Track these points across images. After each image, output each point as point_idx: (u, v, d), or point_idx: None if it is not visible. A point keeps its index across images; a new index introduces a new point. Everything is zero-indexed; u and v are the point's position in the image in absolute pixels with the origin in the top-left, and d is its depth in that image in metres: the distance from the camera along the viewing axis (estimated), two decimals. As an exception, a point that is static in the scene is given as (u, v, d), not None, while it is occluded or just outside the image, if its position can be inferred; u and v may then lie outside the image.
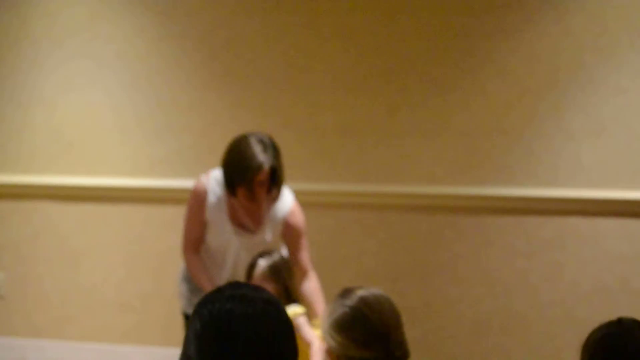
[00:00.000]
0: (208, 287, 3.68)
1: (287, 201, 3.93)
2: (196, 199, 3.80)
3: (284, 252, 3.98)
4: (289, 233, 3.94)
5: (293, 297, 3.74)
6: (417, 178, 5.11)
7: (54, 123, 5.42)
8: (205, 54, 5.27)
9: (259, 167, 3.62)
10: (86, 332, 5.47)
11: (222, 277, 3.85)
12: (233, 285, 1.74)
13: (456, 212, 5.11)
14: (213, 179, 3.81)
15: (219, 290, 1.72)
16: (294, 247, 3.96)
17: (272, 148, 3.69)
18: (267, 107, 5.23)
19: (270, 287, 3.70)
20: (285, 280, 3.73)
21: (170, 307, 5.23)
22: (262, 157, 3.62)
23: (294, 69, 5.20)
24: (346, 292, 2.53)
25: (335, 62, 5.16)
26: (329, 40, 5.15)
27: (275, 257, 3.75)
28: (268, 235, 3.86)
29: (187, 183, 5.31)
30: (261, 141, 3.67)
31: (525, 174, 5.03)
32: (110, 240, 5.43)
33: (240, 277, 3.83)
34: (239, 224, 3.80)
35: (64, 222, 5.47)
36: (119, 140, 5.39)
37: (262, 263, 3.71)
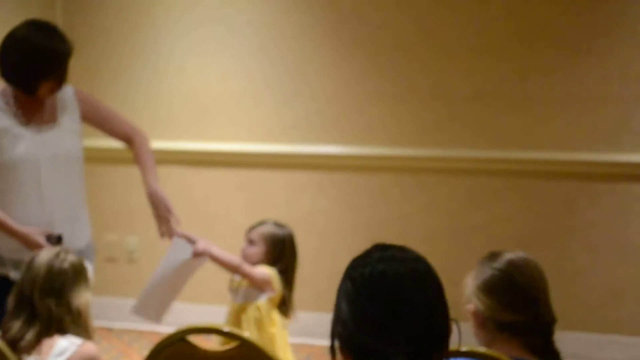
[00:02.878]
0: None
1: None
2: None
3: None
4: (90, 104, 3.65)
5: (284, 274, 3.69)
6: (550, 144, 5.03)
7: (186, 89, 5.52)
8: (334, 20, 5.28)
9: (67, 51, 3.43)
10: (216, 295, 5.53)
11: (42, 191, 3.49)
12: (380, 247, 1.74)
13: (590, 178, 5.02)
14: None
15: (367, 255, 1.72)
16: (105, 118, 3.69)
17: (51, 28, 3.48)
18: (395, 73, 5.21)
19: (260, 248, 3.71)
20: (284, 256, 3.71)
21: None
22: (57, 42, 3.43)
23: (424, 34, 5.16)
24: (494, 255, 2.50)
25: (466, 26, 5.10)
26: (461, 5, 5.10)
27: (284, 230, 3.74)
28: (67, 128, 3.56)
29: (317, 149, 5.35)
30: (38, 27, 3.45)
31: (662, 140, 4.92)
32: (242, 204, 5.49)
33: (57, 191, 3.52)
34: (33, 124, 3.50)
35: (197, 187, 5.55)
36: (250, 106, 5.45)
37: (269, 225, 3.73)
